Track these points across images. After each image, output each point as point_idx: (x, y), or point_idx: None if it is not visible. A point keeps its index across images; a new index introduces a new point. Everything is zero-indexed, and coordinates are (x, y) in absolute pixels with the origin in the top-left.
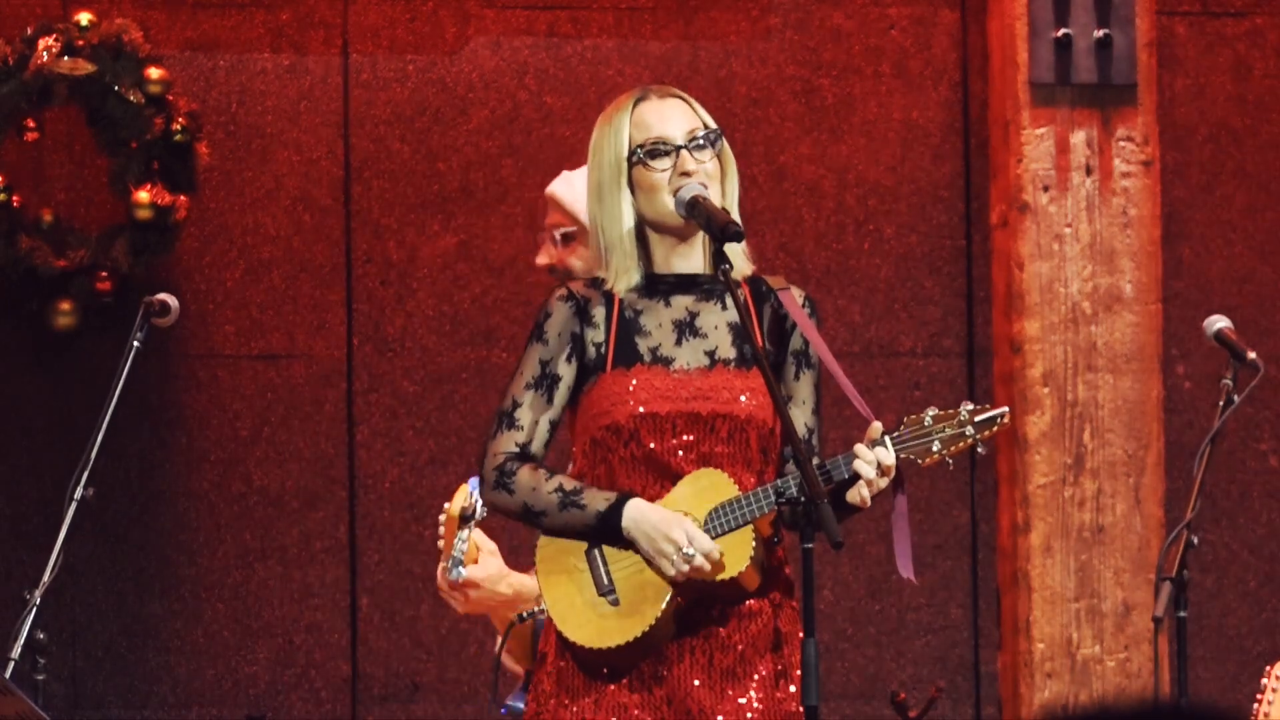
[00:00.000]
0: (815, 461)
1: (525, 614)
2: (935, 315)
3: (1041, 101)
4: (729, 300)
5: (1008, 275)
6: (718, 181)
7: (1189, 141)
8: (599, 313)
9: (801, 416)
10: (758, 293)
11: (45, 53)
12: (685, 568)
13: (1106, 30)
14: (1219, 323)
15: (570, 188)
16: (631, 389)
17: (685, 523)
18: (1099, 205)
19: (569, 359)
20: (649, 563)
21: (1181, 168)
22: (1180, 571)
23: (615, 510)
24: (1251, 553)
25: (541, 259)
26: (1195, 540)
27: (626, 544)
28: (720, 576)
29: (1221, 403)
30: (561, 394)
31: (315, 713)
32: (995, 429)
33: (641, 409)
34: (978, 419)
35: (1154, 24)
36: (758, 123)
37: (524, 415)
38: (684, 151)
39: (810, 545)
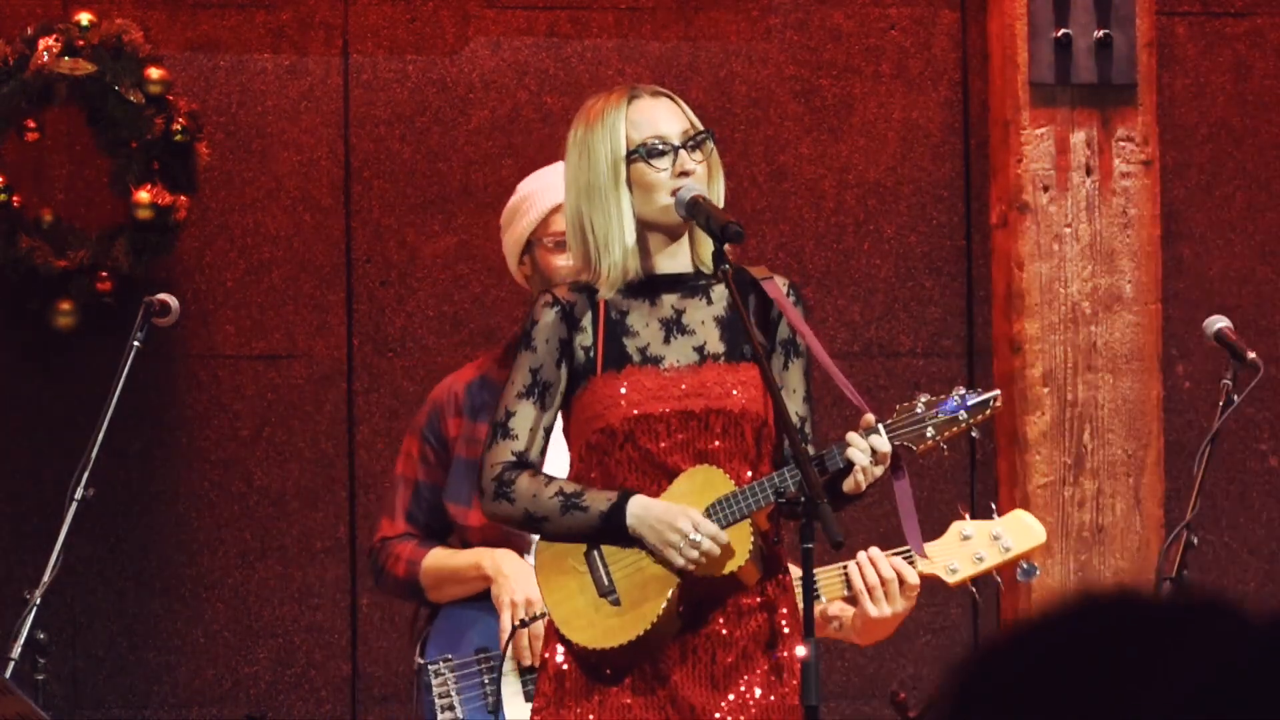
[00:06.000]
0: (810, 453)
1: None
2: (935, 315)
3: (1041, 101)
4: (714, 295)
5: (1007, 275)
6: (705, 182)
7: (1189, 141)
8: (585, 316)
9: (793, 405)
10: (741, 284)
11: (45, 53)
12: (694, 554)
13: (1106, 30)
14: (1219, 323)
15: None
16: (623, 391)
17: (689, 511)
18: (1099, 205)
19: (558, 364)
20: (656, 555)
21: (1181, 168)
22: (1180, 571)
23: (619, 509)
24: (1251, 553)
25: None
26: (1195, 540)
27: (632, 542)
28: (721, 570)
29: (1221, 403)
30: (554, 399)
31: (315, 713)
32: (988, 412)
33: (635, 411)
34: (970, 403)
35: (1154, 24)
36: (758, 123)
37: (518, 424)
38: (682, 151)
39: (810, 546)
